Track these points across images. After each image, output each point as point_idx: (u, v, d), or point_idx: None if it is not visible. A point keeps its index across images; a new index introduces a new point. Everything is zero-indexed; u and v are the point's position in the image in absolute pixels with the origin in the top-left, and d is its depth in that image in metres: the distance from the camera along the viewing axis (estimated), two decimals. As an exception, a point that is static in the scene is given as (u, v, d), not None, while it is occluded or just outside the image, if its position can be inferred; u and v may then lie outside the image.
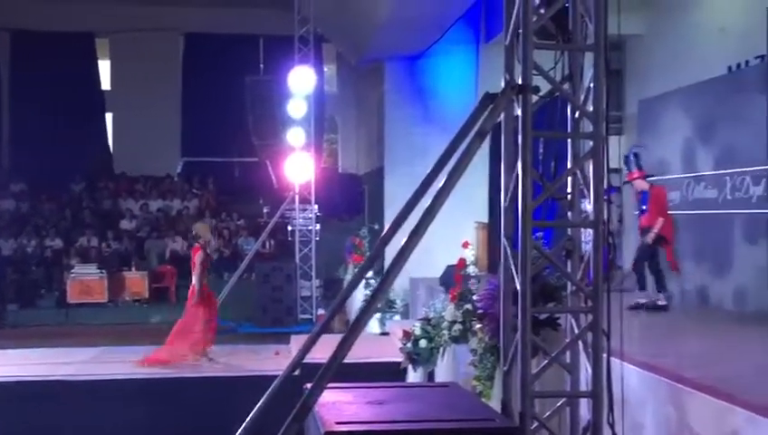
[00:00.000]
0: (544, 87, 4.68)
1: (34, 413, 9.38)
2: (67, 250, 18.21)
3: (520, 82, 4.41)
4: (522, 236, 4.35)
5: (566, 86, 4.67)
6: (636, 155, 11.14)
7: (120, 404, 9.67)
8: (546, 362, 4.52)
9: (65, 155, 20.46)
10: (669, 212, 10.58)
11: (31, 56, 20.91)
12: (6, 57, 21.36)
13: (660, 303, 10.16)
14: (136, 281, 17.56)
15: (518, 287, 4.40)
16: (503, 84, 4.64)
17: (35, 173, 20.22)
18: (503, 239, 4.65)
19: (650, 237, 10.30)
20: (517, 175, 4.41)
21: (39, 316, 16.51)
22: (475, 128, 4.52)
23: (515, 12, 4.46)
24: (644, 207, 10.67)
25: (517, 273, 4.42)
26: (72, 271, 17.25)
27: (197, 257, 11.04)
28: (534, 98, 4.46)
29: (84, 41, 21.47)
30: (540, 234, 6.92)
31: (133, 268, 17.89)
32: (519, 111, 4.41)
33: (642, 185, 10.88)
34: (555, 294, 5.96)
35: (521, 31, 4.38)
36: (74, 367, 10.68)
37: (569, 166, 4.73)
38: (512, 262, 4.54)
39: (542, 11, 4.57)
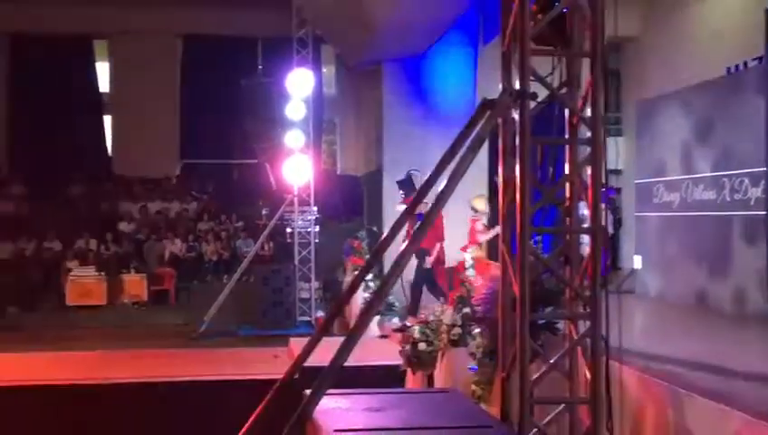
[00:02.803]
0: (541, 92, 4.69)
1: (36, 418, 9.36)
2: (65, 253, 18.19)
3: (518, 87, 4.41)
4: (520, 242, 4.35)
5: (564, 92, 4.66)
6: (410, 178, 11.80)
7: (118, 408, 9.64)
8: (545, 368, 4.52)
9: (64, 157, 20.48)
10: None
11: (30, 59, 20.91)
12: (6, 60, 21.33)
13: None
14: (135, 283, 17.53)
15: (516, 293, 4.39)
16: (500, 90, 4.64)
17: (35, 176, 20.22)
18: (501, 245, 4.65)
19: (429, 262, 11.06)
20: (515, 181, 4.41)
21: (38, 319, 16.51)
22: (473, 134, 4.52)
23: (512, 18, 4.46)
24: None
25: (515, 278, 4.42)
26: (71, 273, 17.24)
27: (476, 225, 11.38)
28: (532, 104, 4.45)
29: (82, 43, 21.45)
30: (538, 238, 6.94)
31: (132, 270, 17.85)
32: (517, 117, 4.41)
33: (421, 207, 11.35)
34: (554, 299, 5.95)
35: (518, 37, 4.38)
36: (75, 371, 10.66)
37: (566, 171, 4.73)
38: (510, 267, 4.54)
39: (540, 17, 4.57)
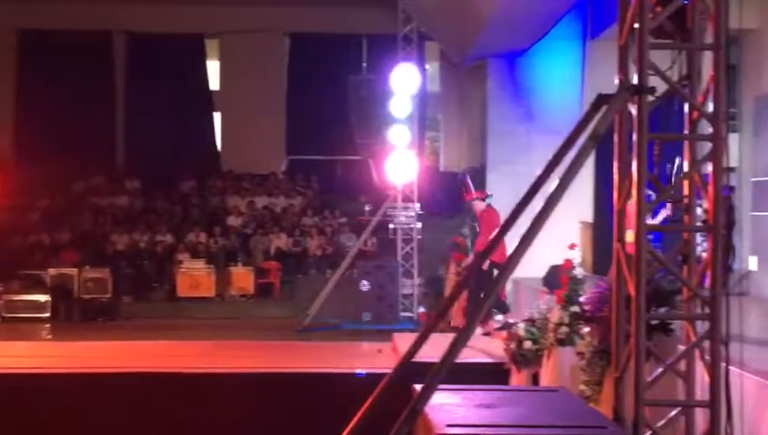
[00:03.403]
0: (659, 86, 4.57)
1: (147, 404, 9.71)
2: (177, 245, 18.79)
3: (635, 82, 4.31)
4: (636, 241, 4.26)
5: (684, 86, 4.53)
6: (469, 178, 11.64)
7: (226, 398, 9.90)
8: (661, 370, 4.41)
9: (176, 153, 21.19)
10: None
11: (144, 58, 21.68)
12: (122, 59, 22.20)
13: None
14: (242, 276, 17.93)
15: (631, 292, 4.30)
16: (616, 84, 4.54)
17: (148, 171, 20.98)
18: (615, 243, 4.56)
19: (485, 265, 10.50)
20: (631, 178, 4.32)
21: (151, 309, 17.14)
22: (588, 130, 4.44)
23: (630, 11, 4.35)
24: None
25: (631, 277, 4.33)
26: (182, 266, 17.79)
27: None
28: (650, 98, 4.35)
29: (194, 42, 22.11)
30: (650, 236, 6.76)
31: (239, 264, 18.27)
32: (634, 113, 4.31)
33: (479, 206, 11.08)
34: (668, 299, 5.79)
35: (636, 30, 4.27)
36: (185, 360, 11.01)
37: (685, 168, 4.60)
38: (624, 266, 4.45)
39: (659, 9, 4.45)
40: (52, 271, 17.14)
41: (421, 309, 15.99)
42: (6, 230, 19.05)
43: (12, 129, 21.83)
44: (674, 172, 4.70)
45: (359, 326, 15.48)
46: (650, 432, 4.40)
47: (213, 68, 22.55)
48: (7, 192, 19.83)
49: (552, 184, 4.57)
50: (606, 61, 14.14)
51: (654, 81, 4.48)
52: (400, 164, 16.36)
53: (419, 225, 16.78)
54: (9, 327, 15.85)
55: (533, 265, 12.03)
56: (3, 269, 17.34)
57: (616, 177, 4.58)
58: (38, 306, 16.57)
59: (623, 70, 4.48)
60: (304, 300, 16.71)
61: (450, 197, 20.08)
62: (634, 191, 4.26)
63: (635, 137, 4.28)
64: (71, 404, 9.57)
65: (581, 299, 7.32)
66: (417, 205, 16.81)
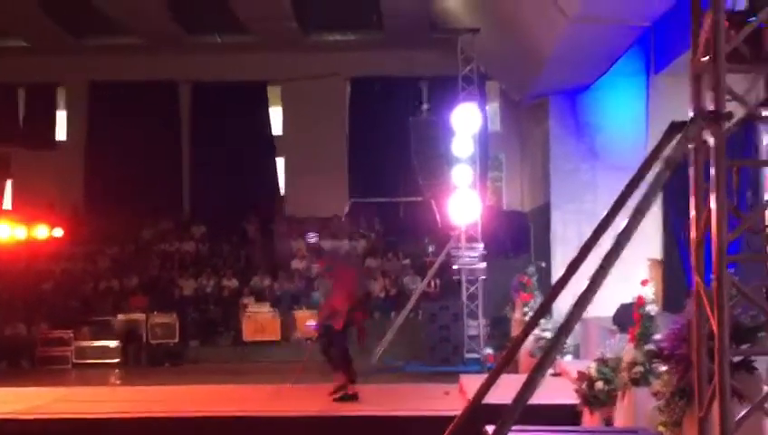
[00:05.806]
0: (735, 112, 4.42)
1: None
2: (242, 289, 18.92)
3: (711, 108, 4.17)
4: (717, 273, 4.08)
5: (762, 112, 4.38)
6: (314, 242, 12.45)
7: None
8: (748, 409, 4.20)
9: (241, 199, 21.46)
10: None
11: (209, 106, 22.16)
12: (187, 108, 22.70)
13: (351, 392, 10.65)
14: (306, 319, 17.89)
15: (714, 328, 4.12)
16: (689, 114, 4.42)
17: (213, 216, 21.28)
18: (695, 277, 4.39)
19: (339, 323, 10.61)
20: (709, 208, 4.16)
21: (217, 353, 17.25)
22: (661, 159, 4.31)
23: (704, 36, 4.24)
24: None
25: (713, 312, 4.15)
26: (247, 310, 17.87)
27: None
28: (726, 125, 4.21)
29: (257, 89, 22.49)
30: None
31: (303, 307, 18.28)
32: (711, 140, 4.17)
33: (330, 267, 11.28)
34: (750, 336, 5.55)
35: (712, 55, 4.15)
36: (249, 403, 10.99)
37: (766, 196, 4.42)
38: (705, 301, 4.27)
39: (733, 33, 4.32)
40: (121, 317, 17.43)
41: (488, 350, 15.74)
42: (79, 277, 19.48)
43: (83, 178, 22.43)
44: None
45: (424, 368, 15.30)
46: (738, 475, 4.18)
47: (275, 114, 22.88)
48: (79, 240, 20.37)
49: (620, 221, 4.44)
50: (671, 95, 13.94)
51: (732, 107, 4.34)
52: (463, 204, 16.27)
53: (484, 265, 16.60)
54: (79, 374, 16.13)
55: (602, 305, 11.79)
56: (74, 316, 17.70)
57: (692, 208, 4.42)
58: (107, 352, 16.84)
59: (697, 97, 4.35)
60: (368, 342, 16.56)
61: (514, 236, 19.86)
62: (713, 221, 4.10)
63: (712, 165, 4.13)
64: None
65: (658, 337, 7.08)
66: (481, 245, 16.64)
